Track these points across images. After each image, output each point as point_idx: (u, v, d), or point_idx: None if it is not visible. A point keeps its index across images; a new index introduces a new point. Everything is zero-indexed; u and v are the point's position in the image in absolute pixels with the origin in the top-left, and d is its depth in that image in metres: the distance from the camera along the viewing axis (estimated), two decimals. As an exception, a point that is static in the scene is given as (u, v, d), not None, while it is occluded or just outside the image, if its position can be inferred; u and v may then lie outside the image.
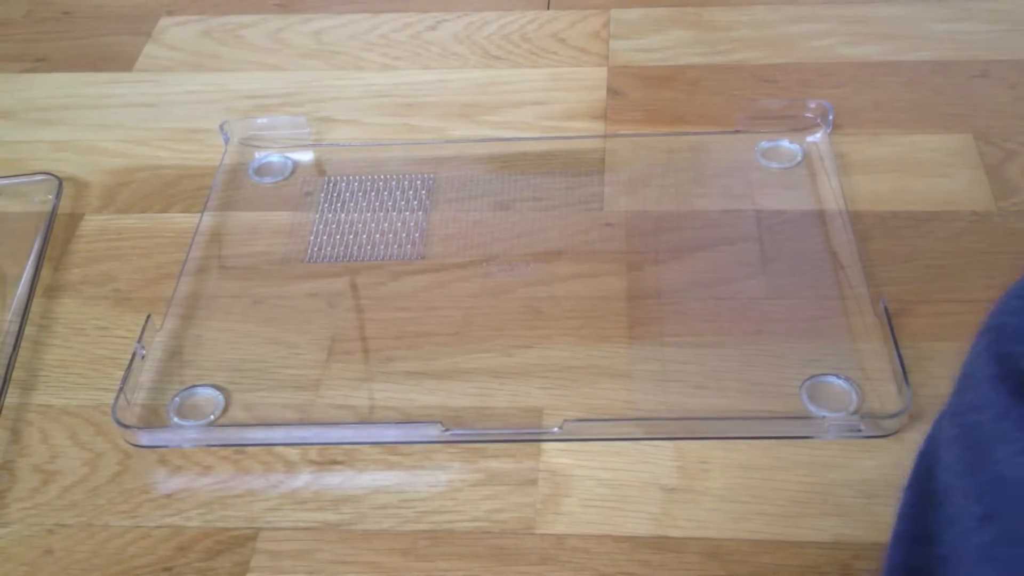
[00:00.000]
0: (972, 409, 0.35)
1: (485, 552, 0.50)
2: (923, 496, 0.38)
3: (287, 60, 0.80)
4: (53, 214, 0.67)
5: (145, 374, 0.58)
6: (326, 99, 0.76)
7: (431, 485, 0.53)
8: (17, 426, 0.57)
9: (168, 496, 0.53)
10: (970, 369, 0.36)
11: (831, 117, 0.68)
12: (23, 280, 0.63)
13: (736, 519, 0.50)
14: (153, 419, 0.56)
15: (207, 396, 0.57)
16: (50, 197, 0.68)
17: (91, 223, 0.68)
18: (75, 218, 0.68)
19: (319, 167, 0.70)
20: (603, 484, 0.52)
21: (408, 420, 0.55)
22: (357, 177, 0.69)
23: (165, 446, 0.55)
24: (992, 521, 0.33)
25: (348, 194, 0.68)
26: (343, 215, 0.66)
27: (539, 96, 0.75)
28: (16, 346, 0.60)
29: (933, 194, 0.64)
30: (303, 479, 0.53)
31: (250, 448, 0.55)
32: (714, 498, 0.51)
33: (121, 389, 0.56)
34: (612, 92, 0.74)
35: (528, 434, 0.54)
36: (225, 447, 0.55)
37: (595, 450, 0.53)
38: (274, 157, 0.71)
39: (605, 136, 0.70)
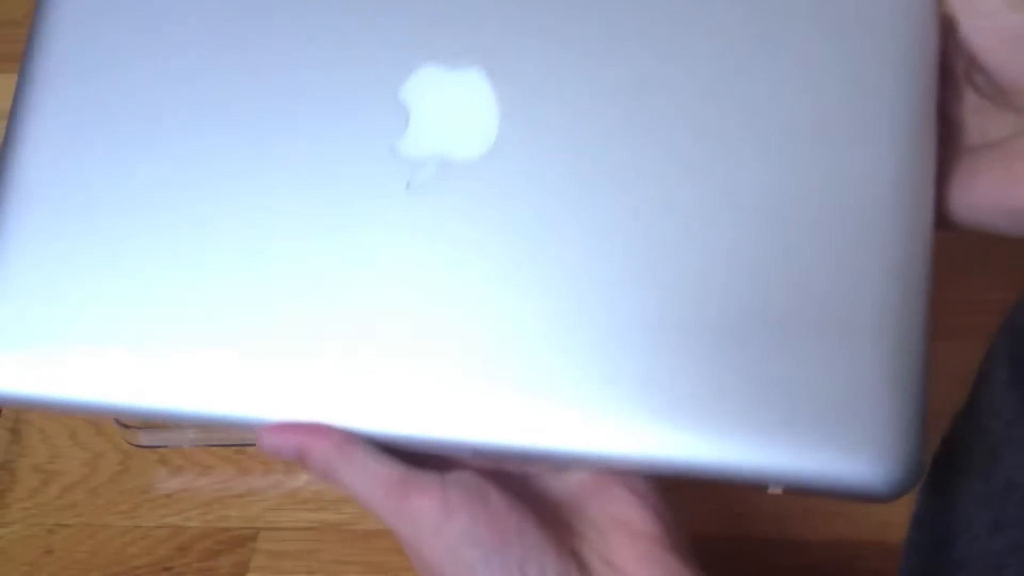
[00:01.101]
0: (985, 413, 0.35)
1: (485, 552, 0.50)
2: (937, 499, 0.38)
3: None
4: (53, 214, 0.67)
5: (145, 374, 0.58)
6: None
7: (431, 485, 0.53)
8: (17, 426, 0.57)
9: (168, 496, 0.53)
10: (986, 369, 0.36)
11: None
12: (23, 280, 0.63)
13: (736, 519, 0.50)
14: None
15: (207, 396, 0.57)
16: (50, 197, 0.68)
17: (91, 223, 0.68)
18: (75, 218, 0.68)
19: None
20: (603, 484, 0.52)
21: (408, 420, 0.55)
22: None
23: (165, 446, 0.55)
24: (1002, 529, 0.33)
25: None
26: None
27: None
28: (16, 346, 0.60)
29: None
30: (303, 479, 0.53)
31: (250, 448, 0.55)
32: (714, 497, 0.51)
33: (121, 389, 0.56)
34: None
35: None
36: (225, 447, 0.55)
37: (595, 450, 0.53)
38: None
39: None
